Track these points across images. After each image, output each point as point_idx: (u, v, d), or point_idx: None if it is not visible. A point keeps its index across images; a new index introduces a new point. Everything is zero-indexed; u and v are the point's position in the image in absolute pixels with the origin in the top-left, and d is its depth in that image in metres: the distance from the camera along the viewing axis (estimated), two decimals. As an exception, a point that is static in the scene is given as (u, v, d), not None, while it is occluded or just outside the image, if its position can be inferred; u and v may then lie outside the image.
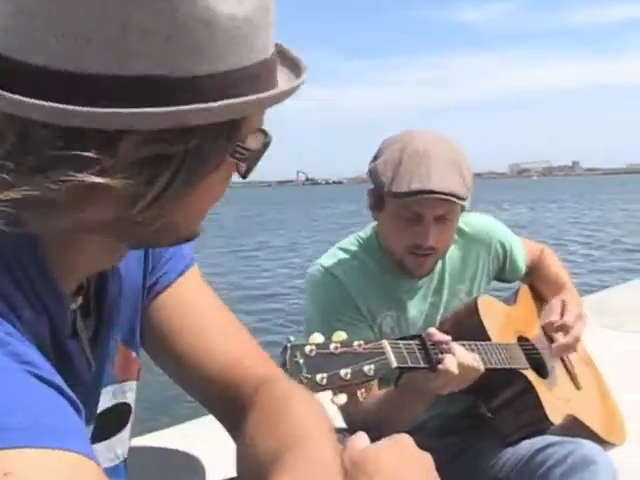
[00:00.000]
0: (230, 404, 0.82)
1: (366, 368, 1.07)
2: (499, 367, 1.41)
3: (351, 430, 1.44)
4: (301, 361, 1.00)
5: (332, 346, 1.05)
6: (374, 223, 1.62)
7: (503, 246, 1.71)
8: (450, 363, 1.24)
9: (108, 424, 0.77)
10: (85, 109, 0.53)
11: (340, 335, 1.09)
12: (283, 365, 0.99)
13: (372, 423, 1.43)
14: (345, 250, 1.59)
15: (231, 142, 0.61)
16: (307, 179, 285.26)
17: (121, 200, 0.58)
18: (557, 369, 1.69)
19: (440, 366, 1.24)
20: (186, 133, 0.57)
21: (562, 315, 1.63)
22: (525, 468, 1.45)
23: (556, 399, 1.57)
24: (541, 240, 1.88)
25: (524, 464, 1.46)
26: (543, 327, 1.66)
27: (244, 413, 0.78)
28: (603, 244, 15.69)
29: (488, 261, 1.69)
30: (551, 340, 1.69)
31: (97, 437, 0.76)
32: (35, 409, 0.50)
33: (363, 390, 1.07)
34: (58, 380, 0.54)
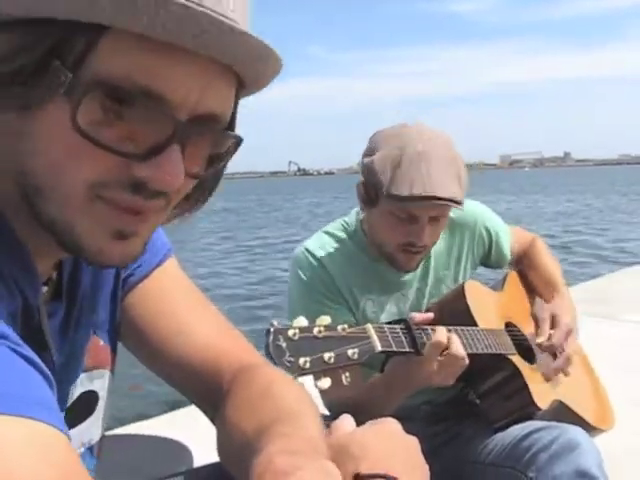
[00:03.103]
0: (208, 389, 0.82)
1: (350, 352, 1.07)
2: (485, 352, 1.41)
3: (333, 416, 1.43)
4: (284, 345, 0.99)
5: (316, 330, 1.04)
6: (357, 209, 1.62)
7: (488, 231, 1.71)
8: (435, 345, 1.24)
9: (75, 412, 0.77)
10: None
11: (324, 319, 1.08)
12: (266, 348, 0.98)
13: (355, 410, 1.42)
14: (330, 234, 1.60)
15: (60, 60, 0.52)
16: (299, 170, 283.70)
17: None
18: (545, 356, 1.69)
19: (425, 349, 1.23)
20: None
21: (553, 329, 1.64)
22: (511, 453, 1.46)
23: (543, 384, 1.57)
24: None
25: (510, 449, 1.46)
26: (534, 319, 1.66)
27: (223, 398, 0.78)
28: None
29: (473, 246, 1.70)
30: (538, 327, 1.69)
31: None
32: (8, 379, 0.49)
33: (347, 374, 1.06)
34: (31, 354, 0.53)
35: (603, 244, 13.72)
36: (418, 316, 1.28)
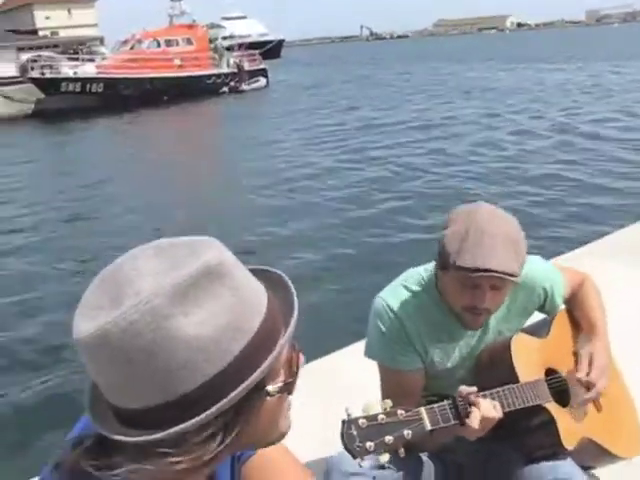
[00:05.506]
0: None
1: (405, 432, 1.40)
2: (521, 407, 1.71)
3: None
4: (355, 433, 1.34)
5: (380, 417, 1.38)
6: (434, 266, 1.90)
7: (545, 290, 1.98)
8: (475, 418, 1.55)
9: None
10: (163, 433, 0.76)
11: (387, 403, 1.41)
12: (342, 436, 1.33)
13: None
14: (407, 288, 1.91)
15: (262, 392, 0.82)
16: (371, 34, 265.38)
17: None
18: (580, 394, 1.95)
19: (467, 420, 1.55)
20: (223, 414, 0.78)
21: (589, 367, 1.88)
22: None
23: (574, 425, 1.85)
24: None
25: None
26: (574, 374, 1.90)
27: None
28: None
29: (531, 304, 1.98)
30: (577, 363, 1.95)
31: None
32: None
33: (402, 450, 1.40)
34: None
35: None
36: (465, 391, 1.59)
